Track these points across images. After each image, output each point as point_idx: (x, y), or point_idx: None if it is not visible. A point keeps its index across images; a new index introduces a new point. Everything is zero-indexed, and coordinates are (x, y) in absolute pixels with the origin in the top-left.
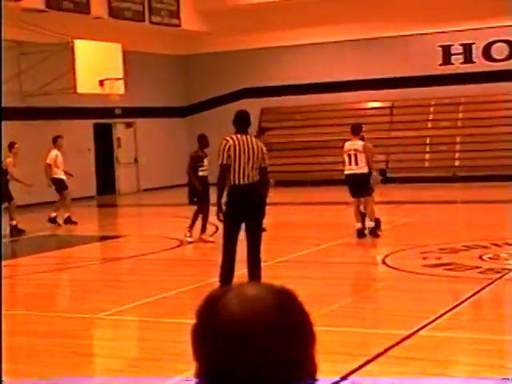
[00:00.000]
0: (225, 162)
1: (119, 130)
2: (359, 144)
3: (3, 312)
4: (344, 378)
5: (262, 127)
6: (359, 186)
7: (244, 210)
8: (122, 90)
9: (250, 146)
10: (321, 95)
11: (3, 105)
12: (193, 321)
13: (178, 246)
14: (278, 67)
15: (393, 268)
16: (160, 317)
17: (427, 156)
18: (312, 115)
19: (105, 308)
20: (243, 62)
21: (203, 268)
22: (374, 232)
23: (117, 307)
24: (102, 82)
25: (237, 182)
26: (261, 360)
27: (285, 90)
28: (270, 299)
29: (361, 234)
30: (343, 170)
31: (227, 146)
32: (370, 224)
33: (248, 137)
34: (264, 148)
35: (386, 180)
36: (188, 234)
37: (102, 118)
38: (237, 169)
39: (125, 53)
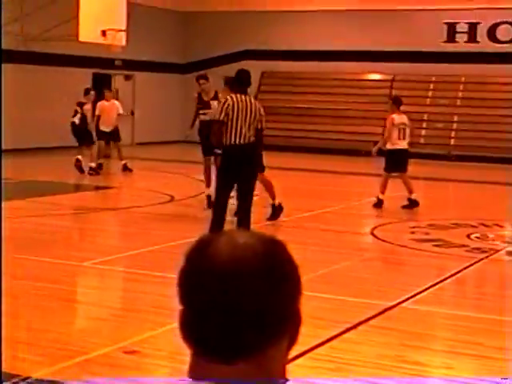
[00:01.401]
0: (222, 118)
1: (118, 82)
2: (406, 118)
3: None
4: (323, 343)
5: (198, 75)
6: (403, 162)
7: (237, 170)
8: (123, 42)
9: (249, 106)
10: (322, 63)
11: (5, 47)
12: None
13: (169, 201)
14: (282, 32)
15: (380, 239)
16: (146, 269)
17: (423, 132)
18: (311, 82)
19: (91, 257)
20: (247, 24)
21: (193, 224)
22: (416, 202)
23: (103, 257)
24: (104, 32)
25: (233, 142)
26: (244, 303)
27: (286, 55)
28: (259, 246)
29: (380, 204)
30: (377, 141)
31: (226, 105)
32: (414, 196)
33: (247, 97)
34: (262, 109)
35: (380, 153)
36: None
37: (102, 69)
38: (234, 128)
39: (128, 4)
